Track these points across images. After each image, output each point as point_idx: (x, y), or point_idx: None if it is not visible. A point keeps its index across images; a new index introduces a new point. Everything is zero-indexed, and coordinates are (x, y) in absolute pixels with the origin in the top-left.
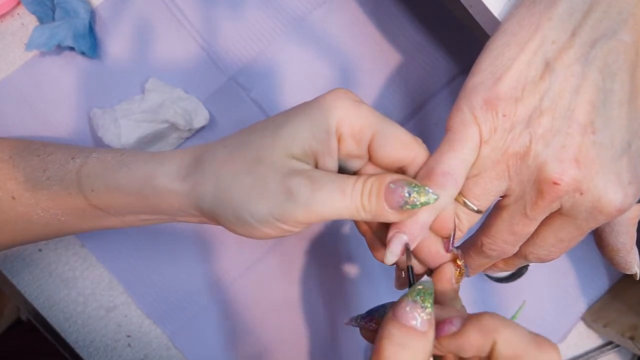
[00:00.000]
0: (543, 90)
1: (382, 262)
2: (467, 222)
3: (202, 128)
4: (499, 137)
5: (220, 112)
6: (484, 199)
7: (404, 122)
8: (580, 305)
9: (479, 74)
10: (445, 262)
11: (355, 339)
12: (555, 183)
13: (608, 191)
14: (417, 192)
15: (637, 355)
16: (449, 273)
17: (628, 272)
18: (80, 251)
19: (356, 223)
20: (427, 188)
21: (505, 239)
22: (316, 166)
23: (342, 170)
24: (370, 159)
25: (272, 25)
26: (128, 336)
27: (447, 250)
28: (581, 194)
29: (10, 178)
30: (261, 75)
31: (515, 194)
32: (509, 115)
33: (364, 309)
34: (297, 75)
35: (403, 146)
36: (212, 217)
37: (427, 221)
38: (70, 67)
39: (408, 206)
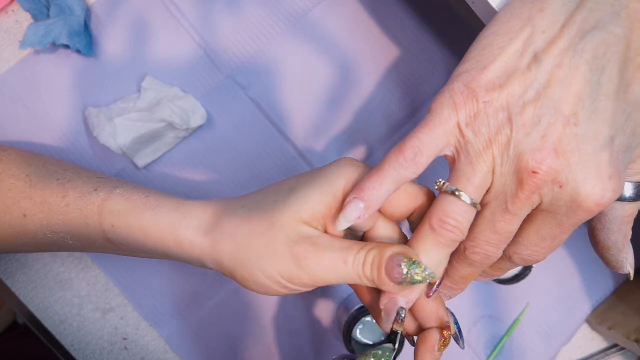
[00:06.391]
0: (529, 80)
1: (384, 329)
2: (466, 220)
3: (200, 127)
4: (481, 122)
5: (218, 111)
6: (480, 193)
7: (405, 121)
8: (585, 308)
9: (467, 62)
10: (432, 328)
11: None
12: (534, 172)
13: (587, 184)
14: (415, 271)
15: None
16: (433, 340)
17: (620, 272)
18: (76, 252)
19: (355, 289)
20: (424, 266)
21: (488, 240)
22: (326, 229)
23: (355, 228)
24: (381, 212)
25: (270, 23)
26: (124, 339)
27: (428, 296)
28: (560, 187)
29: (26, 197)
30: (259, 73)
31: (496, 188)
32: (490, 101)
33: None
34: (296, 73)
35: (410, 198)
36: (229, 272)
37: (423, 290)
38: (65, 66)
39: (406, 282)
